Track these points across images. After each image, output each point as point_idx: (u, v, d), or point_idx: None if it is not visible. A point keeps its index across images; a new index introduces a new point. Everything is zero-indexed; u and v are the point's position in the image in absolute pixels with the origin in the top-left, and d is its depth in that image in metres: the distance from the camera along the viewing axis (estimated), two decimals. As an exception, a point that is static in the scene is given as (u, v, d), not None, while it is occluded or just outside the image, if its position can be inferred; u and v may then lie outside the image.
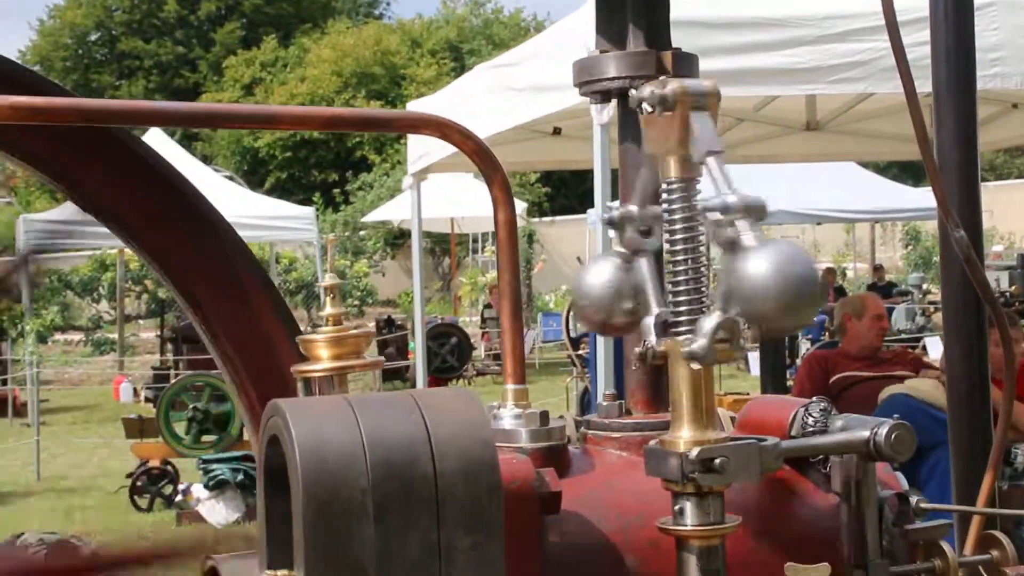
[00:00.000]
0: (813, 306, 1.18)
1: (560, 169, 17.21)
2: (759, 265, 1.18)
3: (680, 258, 1.30)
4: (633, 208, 1.38)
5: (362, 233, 32.66)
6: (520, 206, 25.46)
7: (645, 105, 1.30)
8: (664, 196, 1.30)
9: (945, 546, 1.43)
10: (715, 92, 1.27)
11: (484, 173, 1.48)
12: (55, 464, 13.90)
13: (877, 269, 25.76)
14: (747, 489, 1.45)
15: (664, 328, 1.30)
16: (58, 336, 28.59)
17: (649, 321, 1.32)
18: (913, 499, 1.52)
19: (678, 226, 1.29)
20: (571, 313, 1.50)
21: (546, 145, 9.49)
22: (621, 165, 1.56)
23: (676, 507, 1.30)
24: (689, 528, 1.29)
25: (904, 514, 1.45)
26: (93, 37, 49.74)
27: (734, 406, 3.44)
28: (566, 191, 37.79)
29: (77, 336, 28.77)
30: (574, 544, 1.38)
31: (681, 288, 1.30)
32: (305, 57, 44.76)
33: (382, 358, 1.52)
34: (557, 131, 9.04)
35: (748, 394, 11.97)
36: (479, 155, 1.47)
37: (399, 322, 20.41)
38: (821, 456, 1.45)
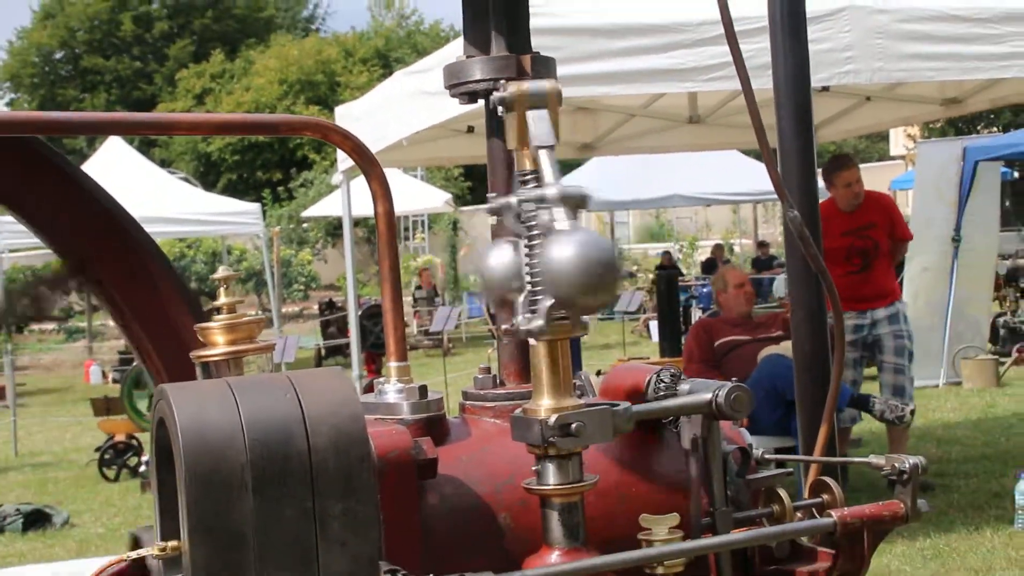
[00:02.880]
0: (610, 287, 1.17)
1: (476, 163, 17.15)
2: (563, 249, 1.17)
3: (536, 243, 1.27)
4: (510, 198, 1.35)
5: (305, 225, 32.36)
6: (446, 196, 25.38)
7: (500, 106, 1.27)
8: (519, 187, 1.28)
9: (782, 492, 1.42)
10: (554, 91, 1.24)
11: (362, 169, 1.44)
12: (31, 441, 13.64)
13: (761, 245, 26.02)
14: (607, 449, 1.43)
15: (528, 307, 1.28)
16: (33, 326, 28.05)
17: (520, 300, 1.29)
18: (758, 452, 1.51)
19: (532, 213, 1.27)
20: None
21: (462, 142, 9.44)
22: (488, 160, 1.53)
23: (539, 468, 1.27)
24: (551, 487, 1.27)
25: (746, 465, 1.44)
26: (58, 55, 48.57)
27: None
28: (487, 183, 37.57)
29: (50, 326, 28.25)
30: (451, 505, 1.35)
31: (537, 270, 1.27)
32: (251, 68, 44.09)
33: (274, 342, 1.47)
34: (471, 129, 8.99)
35: (648, 358, 12.04)
36: (357, 153, 1.43)
37: (339, 304, 20.23)
38: (672, 417, 1.43)
